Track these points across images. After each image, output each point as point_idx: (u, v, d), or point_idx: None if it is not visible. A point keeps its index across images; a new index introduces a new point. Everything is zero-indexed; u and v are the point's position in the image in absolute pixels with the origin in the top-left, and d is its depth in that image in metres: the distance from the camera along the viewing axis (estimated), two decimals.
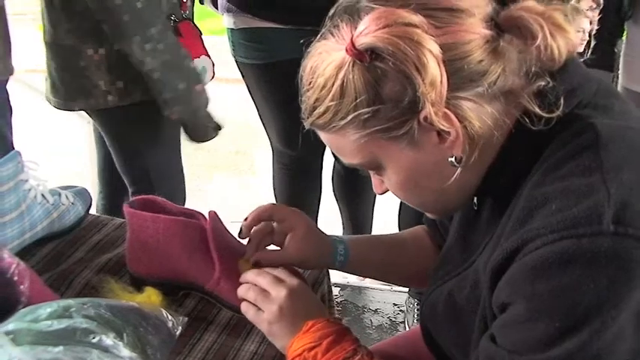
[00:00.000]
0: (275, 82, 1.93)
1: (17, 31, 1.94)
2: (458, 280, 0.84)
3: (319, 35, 0.74)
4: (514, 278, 0.65)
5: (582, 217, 0.61)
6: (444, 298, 0.86)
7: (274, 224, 1.01)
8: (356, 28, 0.69)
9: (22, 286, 0.90)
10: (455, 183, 0.74)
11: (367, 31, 0.67)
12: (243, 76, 2.03)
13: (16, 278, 0.90)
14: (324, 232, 1.03)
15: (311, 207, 2.19)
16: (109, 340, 0.77)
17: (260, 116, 2.10)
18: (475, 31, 0.68)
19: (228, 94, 4.20)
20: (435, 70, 0.65)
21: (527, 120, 0.70)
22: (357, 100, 0.69)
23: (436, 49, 0.66)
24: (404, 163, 0.74)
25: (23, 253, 1.12)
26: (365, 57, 0.67)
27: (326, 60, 0.71)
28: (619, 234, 0.60)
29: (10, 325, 0.77)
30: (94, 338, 0.76)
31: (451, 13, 0.68)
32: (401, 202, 2.08)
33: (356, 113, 0.70)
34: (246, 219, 0.99)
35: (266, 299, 0.89)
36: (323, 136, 0.78)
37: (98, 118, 1.75)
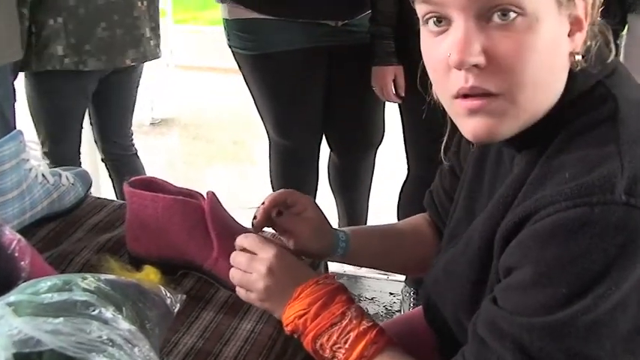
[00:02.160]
0: (268, 72, 1.95)
1: None
2: (455, 250, 0.85)
3: None
4: (524, 243, 0.66)
5: (595, 186, 0.62)
6: (442, 267, 0.87)
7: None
8: None
9: (22, 262, 0.91)
10: (551, 81, 0.71)
11: None
12: (239, 66, 2.05)
13: (17, 254, 0.91)
14: None
15: None
16: (108, 313, 0.77)
17: (256, 106, 2.12)
18: None
19: (227, 84, 4.20)
20: None
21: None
22: None
23: None
24: (547, 27, 0.68)
25: (23, 232, 1.12)
26: None
27: None
28: (630, 205, 0.61)
29: (12, 297, 0.78)
30: (93, 311, 0.77)
31: None
32: (400, 193, 2.09)
33: None
34: (262, 203, 0.99)
35: (250, 281, 0.90)
36: None
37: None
